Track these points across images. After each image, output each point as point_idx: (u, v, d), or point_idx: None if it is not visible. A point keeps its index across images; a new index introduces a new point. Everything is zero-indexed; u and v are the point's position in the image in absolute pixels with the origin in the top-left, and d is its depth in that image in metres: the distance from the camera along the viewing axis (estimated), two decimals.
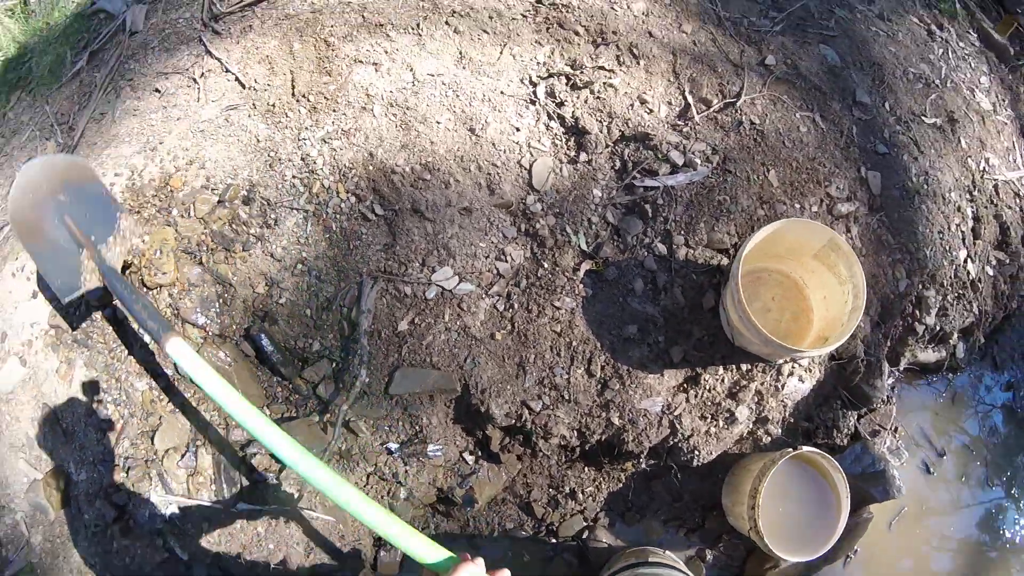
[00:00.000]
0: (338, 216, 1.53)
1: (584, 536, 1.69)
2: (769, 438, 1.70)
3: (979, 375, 2.24)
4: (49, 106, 2.27)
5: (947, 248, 1.89)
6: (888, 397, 2.01)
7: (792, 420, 1.74)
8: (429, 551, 0.95)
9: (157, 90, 1.86)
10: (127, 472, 1.65)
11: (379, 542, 1.67)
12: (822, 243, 1.51)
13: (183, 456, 1.58)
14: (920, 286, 1.89)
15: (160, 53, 1.98)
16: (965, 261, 1.96)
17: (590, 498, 1.68)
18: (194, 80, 1.82)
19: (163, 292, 1.51)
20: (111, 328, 1.59)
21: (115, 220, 1.40)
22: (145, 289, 1.51)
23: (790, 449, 1.55)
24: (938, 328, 1.97)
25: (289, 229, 1.53)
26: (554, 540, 1.69)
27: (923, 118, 1.97)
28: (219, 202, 1.58)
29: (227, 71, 1.78)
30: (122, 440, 1.67)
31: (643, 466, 1.65)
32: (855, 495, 1.66)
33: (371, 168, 1.56)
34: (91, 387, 1.67)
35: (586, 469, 1.66)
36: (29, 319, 1.79)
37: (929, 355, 2.07)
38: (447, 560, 0.94)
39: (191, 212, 1.58)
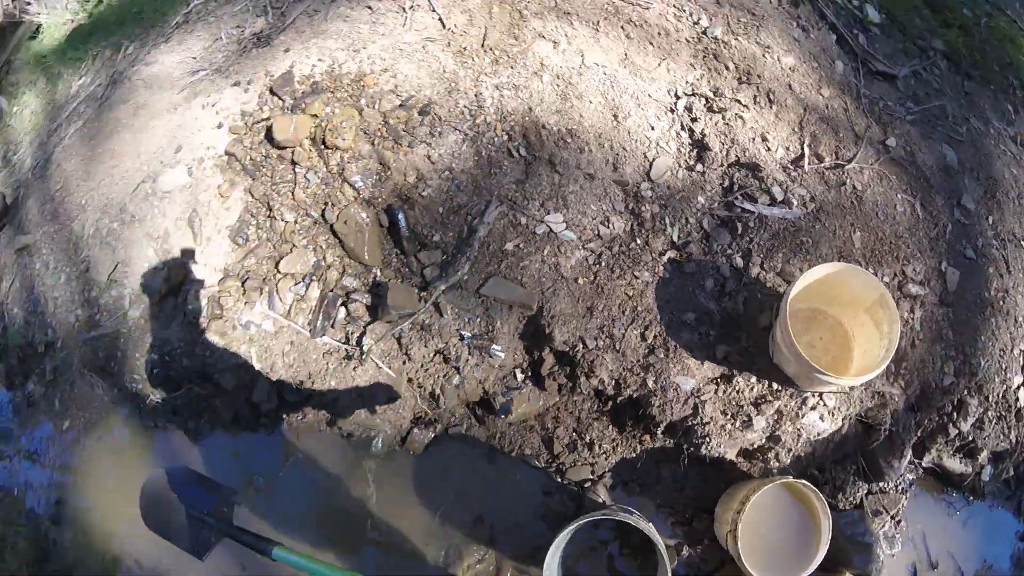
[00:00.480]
0: (489, 146, 1.89)
1: (586, 486, 1.93)
2: (777, 464, 1.88)
3: (999, 513, 2.23)
4: None
5: (1003, 367, 2.00)
6: (903, 488, 2.12)
7: (803, 458, 1.92)
8: None
9: (369, 7, 2.32)
10: (243, 283, 2.07)
11: (416, 422, 1.99)
12: (874, 297, 1.71)
13: (297, 284, 1.97)
14: (965, 390, 2.02)
15: None
16: (1018, 388, 2.06)
17: (603, 455, 1.92)
18: (403, 9, 2.27)
19: (336, 154, 1.93)
20: (282, 167, 2.03)
21: (220, 489, 1.63)
22: (324, 147, 1.94)
23: (787, 476, 1.74)
24: (971, 439, 2.07)
25: (448, 143, 1.91)
26: (559, 479, 1.94)
27: (1021, 242, 2.11)
28: (400, 105, 1.99)
29: (433, 11, 2.21)
30: (250, 256, 2.09)
31: (659, 443, 1.88)
32: (835, 550, 1.78)
33: (527, 119, 1.92)
34: (243, 206, 2.12)
35: (610, 427, 1.91)
36: (208, 142, 2.28)
37: (955, 464, 2.15)
38: None
39: (376, 106, 2.00)
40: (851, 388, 1.84)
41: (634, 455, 1.91)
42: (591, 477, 1.92)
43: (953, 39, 2.46)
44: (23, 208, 2.80)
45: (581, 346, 1.75)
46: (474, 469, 1.97)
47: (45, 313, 2.52)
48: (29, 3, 4.14)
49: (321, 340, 1.92)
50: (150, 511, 1.65)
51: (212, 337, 2.08)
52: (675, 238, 1.86)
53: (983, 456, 2.14)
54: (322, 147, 1.94)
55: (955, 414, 2.05)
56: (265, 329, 2.03)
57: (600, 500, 1.91)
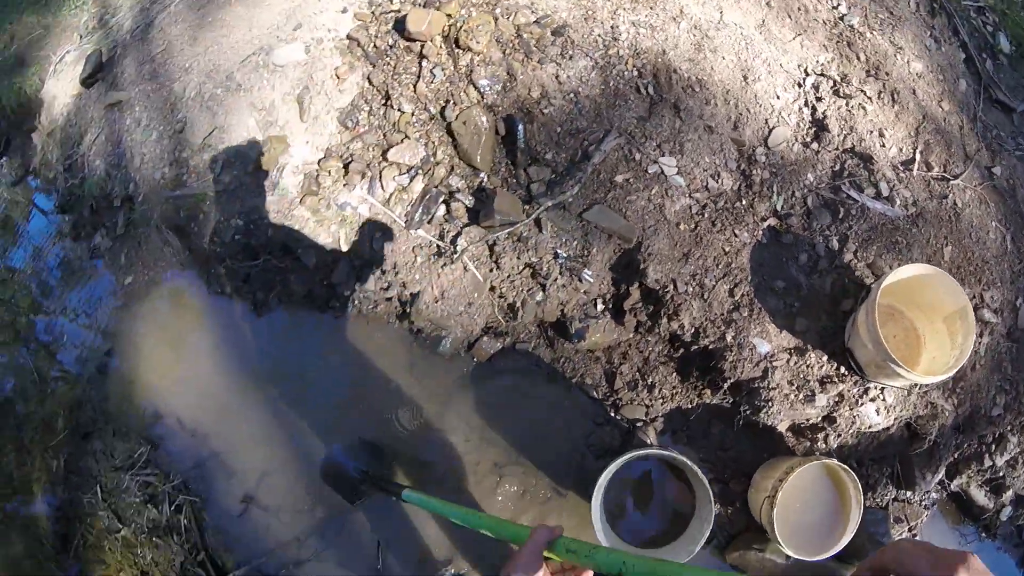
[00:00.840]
0: (618, 78, 1.92)
1: (637, 425, 1.99)
2: (824, 447, 1.94)
3: (1004, 557, 2.29)
4: None
5: None
6: (927, 504, 2.19)
7: (847, 447, 1.98)
8: (518, 530, 1.04)
9: None
10: (345, 165, 2.10)
11: (487, 330, 2.04)
12: (956, 307, 1.76)
13: (402, 174, 2.01)
14: (1009, 426, 2.08)
15: None
16: None
17: (661, 400, 1.98)
18: None
19: (467, 55, 1.96)
20: (408, 58, 2.06)
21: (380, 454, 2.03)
22: (456, 47, 1.96)
23: (826, 458, 1.80)
24: (1001, 475, 2.14)
25: (578, 67, 1.94)
26: (613, 413, 2.00)
27: None
28: (535, 22, 2.01)
29: None
30: (356, 140, 2.12)
31: (718, 399, 1.93)
32: (854, 542, 1.83)
33: (659, 60, 1.95)
34: (358, 91, 2.14)
35: (674, 374, 1.96)
36: (330, 24, 2.29)
37: (980, 496, 2.21)
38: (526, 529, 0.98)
39: (511, 18, 2.02)
40: (911, 388, 1.90)
41: (690, 406, 1.96)
42: (644, 418, 1.97)
43: None
44: (119, 66, 2.84)
45: (672, 288, 1.80)
46: (533, 387, 2.02)
47: (129, 168, 2.57)
48: None
49: (415, 232, 1.96)
50: (326, 471, 2.03)
51: (303, 212, 2.12)
52: (779, 207, 1.90)
53: (1008, 495, 2.20)
54: (454, 46, 1.96)
55: (994, 446, 2.11)
56: (360, 213, 2.06)
57: (647, 442, 1.97)
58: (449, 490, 2.02)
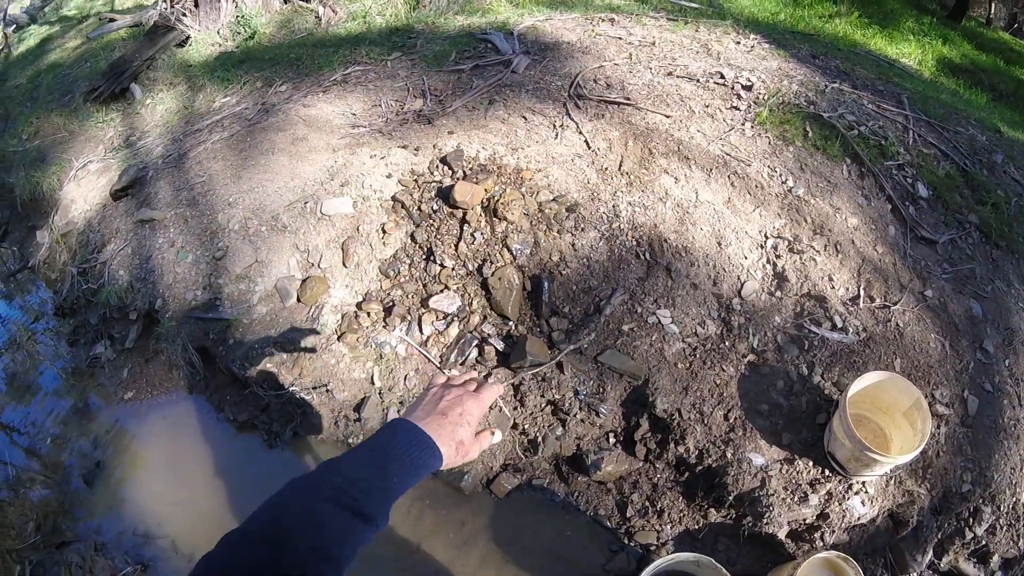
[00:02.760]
0: (621, 247, 2.61)
1: (651, 549, 2.44)
2: (822, 545, 2.41)
3: None
4: (426, 77, 3.63)
5: (1014, 482, 2.54)
6: None
7: (841, 546, 2.44)
8: None
9: (524, 117, 3.14)
10: (385, 308, 2.64)
11: (506, 467, 2.54)
12: (911, 402, 2.30)
13: (439, 320, 2.60)
14: (980, 499, 2.56)
15: (531, 96, 3.29)
16: None
17: (670, 524, 2.42)
18: (554, 126, 3.08)
19: (503, 223, 2.63)
20: (452, 222, 2.73)
21: None
22: (494, 216, 2.64)
23: (827, 552, 2.27)
24: (984, 543, 2.58)
25: (589, 238, 2.63)
26: (627, 540, 2.39)
27: None
28: (553, 200, 2.73)
29: (580, 133, 3.02)
30: (397, 288, 2.73)
31: (722, 516, 2.41)
32: None
33: (652, 232, 2.65)
34: (400, 246, 2.75)
35: (681, 498, 2.44)
36: (376, 186, 2.93)
37: (970, 568, 2.64)
38: None
39: (535, 196, 2.74)
40: (889, 478, 2.40)
41: (697, 527, 2.42)
42: (656, 542, 2.38)
43: (986, 215, 3.20)
44: (151, 187, 3.21)
45: (677, 415, 2.36)
46: (549, 520, 2.39)
47: (158, 284, 2.85)
48: (185, 15, 5.07)
49: (450, 372, 2.53)
50: None
51: (340, 348, 2.61)
52: (755, 346, 2.52)
53: (995, 561, 2.62)
54: (492, 216, 2.65)
55: (971, 519, 2.56)
56: (398, 352, 2.61)
57: None
58: None
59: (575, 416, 2.42)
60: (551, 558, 2.35)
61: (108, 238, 3.20)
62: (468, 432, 0.94)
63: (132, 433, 2.71)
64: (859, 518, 2.41)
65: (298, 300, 2.67)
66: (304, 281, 2.72)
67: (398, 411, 2.50)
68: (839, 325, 2.58)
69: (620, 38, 3.73)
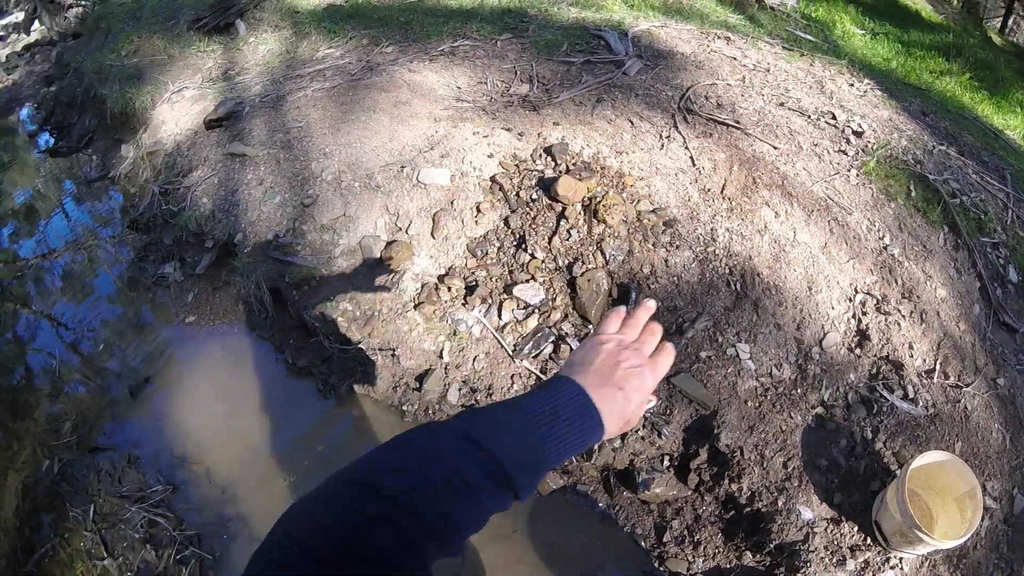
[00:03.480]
0: (713, 272, 2.59)
1: None
2: None
3: None
4: (535, 63, 3.59)
5: None
6: None
7: None
8: None
9: (631, 121, 3.09)
10: (469, 288, 2.66)
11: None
12: (966, 488, 2.32)
13: (519, 309, 2.60)
14: None
15: (641, 101, 3.24)
16: None
17: (703, 558, 2.45)
18: (661, 136, 3.04)
19: (600, 226, 2.62)
20: (549, 214, 2.71)
21: None
22: (594, 217, 2.62)
23: None
24: None
25: (683, 256, 2.61)
26: (657, 564, 2.41)
27: None
28: (652, 211, 2.70)
29: (686, 148, 2.98)
30: (482, 269, 2.73)
31: (757, 561, 2.44)
32: None
33: (746, 263, 2.63)
34: (492, 228, 2.74)
35: (720, 535, 2.47)
36: (476, 163, 2.93)
37: None
38: None
39: (635, 204, 2.72)
40: (926, 558, 2.43)
41: (729, 566, 2.45)
42: (684, 572, 2.42)
43: None
44: (246, 123, 3.27)
45: (739, 453, 2.37)
46: (586, 528, 2.43)
47: (241, 219, 2.89)
48: None
49: (519, 362, 2.54)
50: None
51: (415, 316, 2.64)
52: (825, 399, 2.52)
53: None
54: (592, 216, 2.63)
55: None
56: (472, 332, 2.63)
57: None
58: None
59: (636, 432, 2.43)
60: (580, 566, 2.39)
61: (195, 164, 3.24)
62: (638, 410, 0.82)
63: (187, 356, 2.74)
64: None
65: (380, 261, 2.68)
66: (389, 244, 2.73)
67: (460, 389, 2.51)
68: (910, 396, 2.58)
69: (735, 58, 3.66)
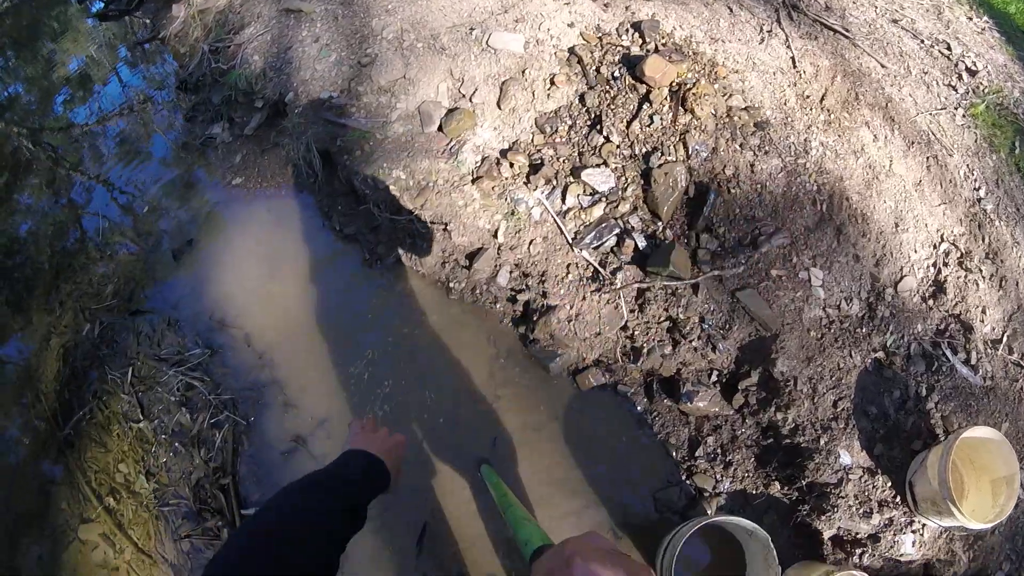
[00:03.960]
0: (800, 187, 2.30)
1: (704, 494, 2.32)
2: (858, 564, 2.33)
3: None
4: None
5: None
6: None
7: (876, 569, 2.38)
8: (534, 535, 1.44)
9: (730, 8, 2.71)
10: (533, 166, 2.35)
11: (597, 363, 2.33)
12: (1007, 473, 2.18)
13: (585, 195, 2.30)
14: None
15: None
16: None
17: (731, 479, 2.31)
18: (761, 29, 2.66)
19: (687, 116, 2.28)
20: (631, 96, 2.35)
21: None
22: (681, 105, 2.28)
23: (859, 572, 2.19)
24: None
25: (771, 164, 2.30)
26: (684, 477, 2.31)
27: None
28: (744, 108, 2.36)
29: (788, 47, 2.61)
30: (549, 147, 2.40)
31: (784, 493, 2.29)
32: None
33: (836, 184, 2.34)
34: (565, 103, 2.40)
35: (753, 459, 2.30)
36: (555, 31, 2.56)
37: None
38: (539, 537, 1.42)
39: (726, 98, 2.37)
40: (946, 531, 2.32)
41: (755, 492, 2.31)
42: (710, 490, 2.30)
43: None
44: None
45: (792, 383, 2.16)
46: (620, 430, 2.31)
47: (293, 78, 2.70)
48: None
49: (578, 252, 2.24)
50: None
51: (472, 191, 2.35)
52: (888, 344, 2.31)
53: None
54: (679, 103, 2.28)
55: None
56: (532, 214, 2.32)
57: (706, 512, 2.30)
58: (510, 484, 2.13)
59: (690, 342, 2.20)
60: (609, 465, 2.29)
61: (248, 21, 2.96)
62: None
63: (232, 218, 2.63)
64: (902, 555, 2.33)
65: (439, 129, 2.40)
66: (451, 111, 2.42)
67: (511, 272, 2.25)
68: (972, 362, 2.39)
69: None
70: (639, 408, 2.33)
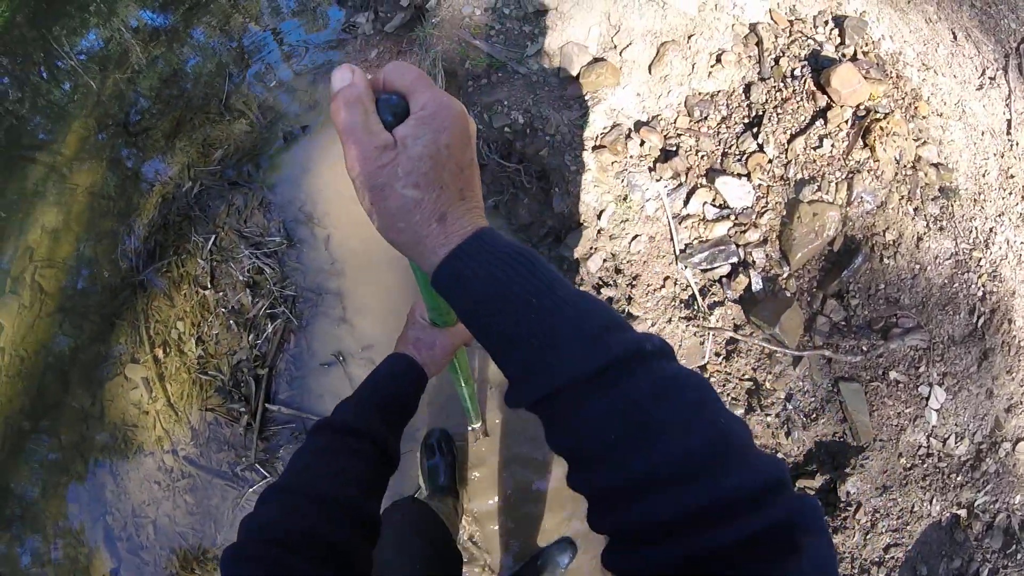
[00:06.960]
0: (962, 287, 1.90)
1: None
2: None
3: None
4: None
5: None
6: None
7: None
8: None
9: (954, 34, 2.28)
10: (664, 152, 1.96)
11: None
12: None
13: (712, 205, 1.89)
14: None
15: (975, 13, 2.35)
16: None
17: None
18: (982, 71, 2.21)
19: (865, 152, 1.84)
20: (805, 103, 1.90)
21: None
22: (862, 138, 1.83)
23: None
24: None
25: (941, 245, 1.90)
26: None
27: None
28: (935, 165, 1.93)
29: (1008, 105, 2.16)
30: (691, 135, 1.98)
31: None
32: None
33: (1004, 300, 1.94)
34: (724, 88, 1.95)
35: None
36: (740, 3, 2.11)
37: None
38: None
39: (917, 143, 1.92)
40: None
41: None
42: None
43: None
44: None
45: (854, 509, 1.83)
46: None
47: None
48: None
49: (681, 268, 1.83)
50: None
51: (588, 159, 1.98)
52: (975, 503, 1.96)
53: None
54: (860, 133, 1.83)
55: None
56: (645, 207, 1.91)
57: None
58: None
59: (766, 416, 1.86)
60: None
61: None
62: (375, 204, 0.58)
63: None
64: None
65: (576, 78, 2.06)
66: (595, 61, 2.09)
67: (604, 261, 1.89)
68: None
69: None
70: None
